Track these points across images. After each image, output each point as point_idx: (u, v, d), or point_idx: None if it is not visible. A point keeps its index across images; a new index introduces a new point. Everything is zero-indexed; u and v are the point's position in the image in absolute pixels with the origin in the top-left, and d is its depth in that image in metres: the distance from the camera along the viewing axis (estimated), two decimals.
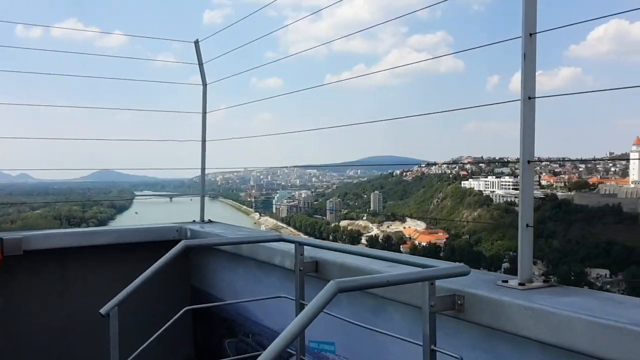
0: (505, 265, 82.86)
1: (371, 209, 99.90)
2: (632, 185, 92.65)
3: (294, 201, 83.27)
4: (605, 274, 75.32)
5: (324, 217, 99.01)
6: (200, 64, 5.14)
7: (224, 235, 4.27)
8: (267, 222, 76.50)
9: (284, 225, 78.40)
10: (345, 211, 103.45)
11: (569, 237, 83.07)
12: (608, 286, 71.20)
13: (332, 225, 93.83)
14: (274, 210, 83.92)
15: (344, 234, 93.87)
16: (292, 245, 3.08)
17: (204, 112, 5.20)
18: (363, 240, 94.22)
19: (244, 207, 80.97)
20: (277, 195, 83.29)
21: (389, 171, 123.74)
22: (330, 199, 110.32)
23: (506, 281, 2.26)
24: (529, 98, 2.25)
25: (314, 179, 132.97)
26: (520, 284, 2.20)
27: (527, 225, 2.24)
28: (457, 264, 2.12)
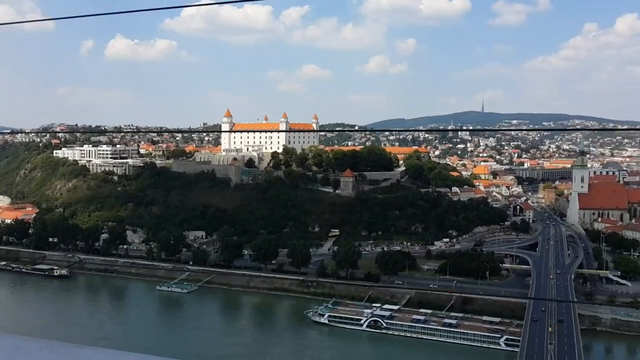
0: (104, 235, 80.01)
1: None
2: (224, 153, 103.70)
3: None
4: (202, 235, 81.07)
5: None
6: None
7: None
8: None
9: None
10: None
11: (168, 203, 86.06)
12: (204, 246, 76.88)
13: None
14: None
15: None
16: None
17: None
18: None
19: None
20: None
21: None
22: None
23: None
24: None
25: None
26: None
27: None
28: None
